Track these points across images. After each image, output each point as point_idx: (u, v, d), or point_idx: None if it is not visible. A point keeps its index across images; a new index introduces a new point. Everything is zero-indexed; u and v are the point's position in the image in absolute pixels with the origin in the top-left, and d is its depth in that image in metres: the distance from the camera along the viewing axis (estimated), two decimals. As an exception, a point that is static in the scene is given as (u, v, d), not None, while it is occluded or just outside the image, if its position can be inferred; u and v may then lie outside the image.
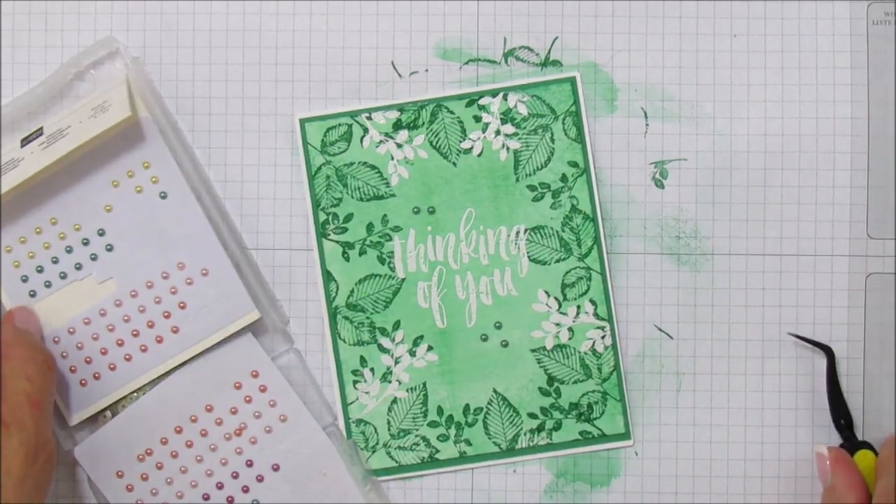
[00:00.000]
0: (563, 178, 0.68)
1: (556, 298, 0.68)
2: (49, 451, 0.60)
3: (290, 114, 0.69)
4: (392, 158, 0.69)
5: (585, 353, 0.68)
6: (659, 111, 0.69)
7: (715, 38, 0.69)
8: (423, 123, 0.69)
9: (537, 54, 0.69)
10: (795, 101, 0.69)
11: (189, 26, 0.69)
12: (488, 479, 0.69)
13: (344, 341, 0.68)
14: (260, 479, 0.66)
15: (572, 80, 0.69)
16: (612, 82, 0.69)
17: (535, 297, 0.68)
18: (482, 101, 0.69)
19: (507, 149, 0.69)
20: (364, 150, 0.69)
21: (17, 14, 0.69)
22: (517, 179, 0.69)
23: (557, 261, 0.68)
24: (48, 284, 0.66)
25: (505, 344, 0.68)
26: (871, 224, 0.68)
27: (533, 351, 0.68)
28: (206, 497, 0.66)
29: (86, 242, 0.66)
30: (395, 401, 0.68)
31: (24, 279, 0.66)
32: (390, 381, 0.68)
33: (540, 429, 0.68)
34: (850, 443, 0.66)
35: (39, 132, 0.65)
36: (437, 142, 0.69)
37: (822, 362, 0.68)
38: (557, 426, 0.68)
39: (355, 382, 0.68)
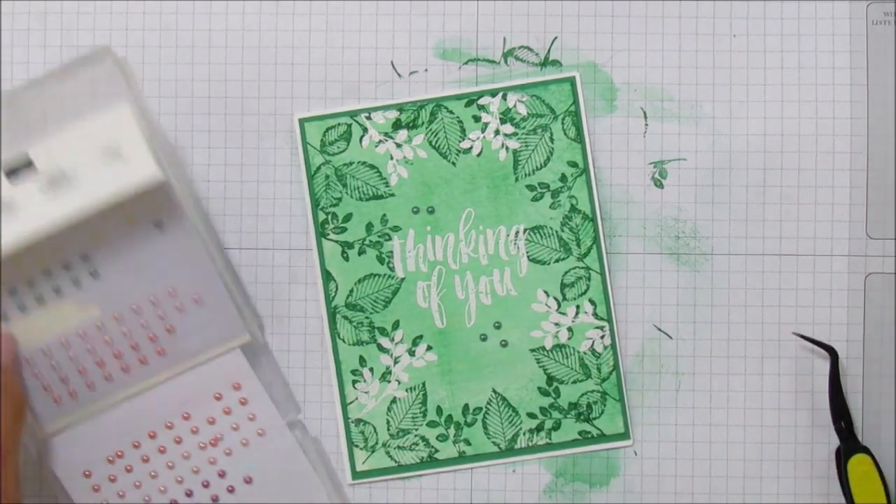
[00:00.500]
0: (563, 177, 0.68)
1: (555, 298, 0.68)
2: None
3: (289, 114, 0.69)
4: (391, 158, 0.69)
5: (585, 353, 0.68)
6: (658, 111, 0.69)
7: (715, 38, 0.69)
8: (423, 123, 0.69)
9: (537, 54, 0.69)
10: (795, 101, 0.69)
11: (189, 26, 0.69)
12: (487, 478, 0.69)
13: (343, 341, 0.68)
14: (231, 489, 0.65)
15: (572, 80, 0.69)
16: (612, 82, 0.69)
17: (535, 296, 0.68)
18: (481, 101, 0.69)
19: (507, 149, 0.69)
20: (363, 149, 0.69)
21: (17, 14, 0.70)
22: (516, 179, 0.69)
23: (557, 261, 0.68)
24: (22, 308, 0.62)
25: (504, 344, 0.68)
26: (871, 224, 0.68)
27: (532, 351, 0.68)
28: (174, 503, 0.65)
29: (67, 267, 0.62)
30: (394, 400, 0.69)
31: None
32: (389, 381, 0.68)
33: (539, 429, 0.68)
34: (849, 446, 0.66)
35: (28, 163, 0.59)
36: (436, 142, 0.69)
37: (821, 363, 0.68)
38: (557, 426, 0.68)
39: (354, 382, 0.68)
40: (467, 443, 0.68)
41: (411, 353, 0.68)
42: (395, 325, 0.68)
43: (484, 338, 0.68)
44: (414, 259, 0.69)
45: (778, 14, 0.69)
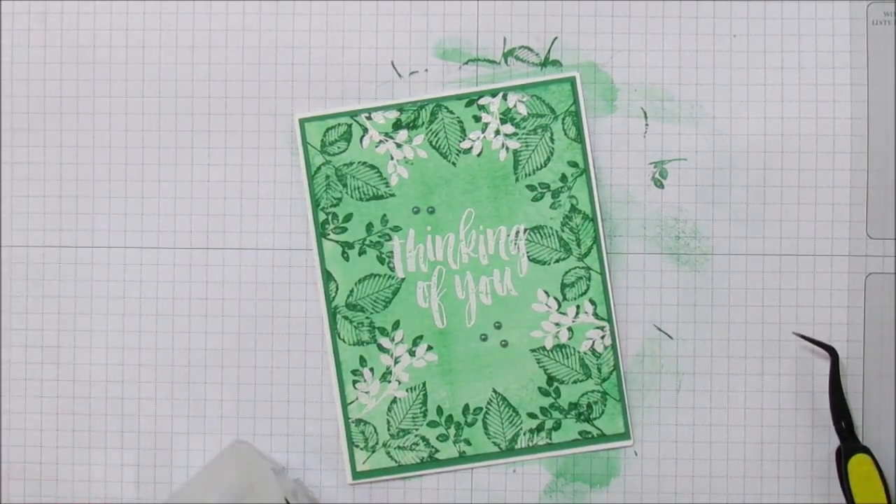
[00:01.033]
0: (563, 177, 0.68)
1: (555, 298, 0.68)
2: None
3: (289, 114, 0.69)
4: (392, 158, 0.69)
5: (585, 353, 0.68)
6: (659, 111, 0.69)
7: (715, 38, 0.69)
8: (423, 123, 0.69)
9: (537, 54, 0.69)
10: (795, 101, 0.69)
11: (189, 26, 0.69)
12: (488, 478, 0.69)
13: (343, 341, 0.68)
14: None
15: (572, 80, 0.69)
16: (612, 82, 0.69)
17: (535, 296, 0.68)
18: (482, 101, 0.69)
19: (507, 149, 0.69)
20: (364, 149, 0.69)
21: (17, 14, 0.70)
22: (517, 179, 0.69)
23: (557, 261, 0.68)
24: None
25: (504, 344, 0.68)
26: (871, 224, 0.68)
27: (532, 351, 0.68)
28: None
29: None
30: (394, 401, 0.68)
31: None
32: (390, 381, 0.68)
33: (539, 429, 0.68)
34: (850, 446, 0.66)
35: None
36: (436, 142, 0.69)
37: (822, 363, 0.68)
38: (557, 426, 0.68)
39: (355, 382, 0.68)
40: (468, 443, 0.68)
41: (412, 353, 0.68)
42: (396, 326, 0.68)
43: (484, 338, 0.68)
44: (414, 259, 0.69)
45: (778, 14, 0.69)
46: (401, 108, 0.69)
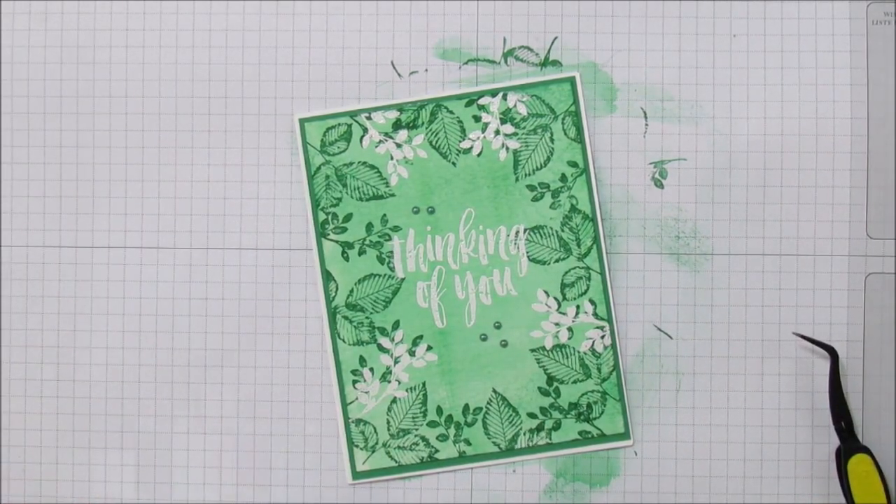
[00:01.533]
0: (563, 177, 0.68)
1: (555, 298, 0.68)
2: None
3: (289, 114, 0.69)
4: (391, 158, 0.69)
5: (585, 353, 0.68)
6: (659, 111, 0.69)
7: (715, 38, 0.69)
8: (423, 123, 0.69)
9: (537, 54, 0.69)
10: (795, 101, 0.69)
11: (189, 26, 0.69)
12: (488, 478, 0.69)
13: (343, 341, 0.68)
14: None
15: (572, 80, 0.69)
16: (612, 82, 0.69)
17: (535, 296, 0.68)
18: (482, 101, 0.69)
19: (507, 148, 0.69)
20: (363, 149, 0.69)
21: (17, 14, 0.70)
22: (517, 179, 0.69)
23: (557, 260, 0.68)
24: None
25: (504, 344, 0.68)
26: (871, 224, 0.68)
27: (532, 351, 0.68)
28: None
29: None
30: (394, 400, 0.68)
31: None
32: (390, 381, 0.68)
33: (539, 429, 0.68)
34: (850, 446, 0.66)
35: None
36: (436, 141, 0.69)
37: (821, 363, 0.68)
38: (557, 426, 0.68)
39: (355, 382, 0.68)
40: (467, 443, 0.68)
41: (411, 353, 0.68)
42: (396, 325, 0.68)
43: (484, 338, 0.68)
44: (414, 259, 0.69)
45: (778, 14, 0.69)
46: (401, 108, 0.69)
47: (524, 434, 0.68)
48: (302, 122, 0.69)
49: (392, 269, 0.69)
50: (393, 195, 0.69)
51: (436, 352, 0.68)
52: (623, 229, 0.69)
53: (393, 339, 0.68)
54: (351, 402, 0.68)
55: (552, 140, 0.69)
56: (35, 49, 0.70)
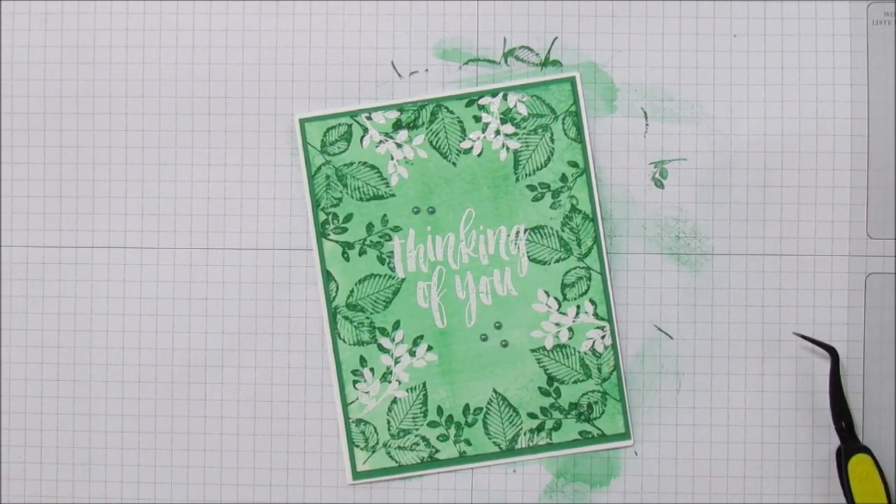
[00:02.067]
0: (563, 177, 0.68)
1: (555, 298, 0.68)
2: None
3: (289, 114, 0.69)
4: (392, 158, 0.69)
5: (585, 353, 0.68)
6: (659, 111, 0.69)
7: (715, 38, 0.69)
8: (423, 123, 0.69)
9: (537, 54, 0.69)
10: (795, 101, 0.69)
11: (189, 26, 0.69)
12: (488, 479, 0.69)
13: (344, 341, 0.68)
14: None
15: (572, 80, 0.69)
16: (612, 82, 0.69)
17: (535, 297, 0.68)
18: (482, 101, 0.69)
19: (507, 149, 0.69)
20: (364, 149, 0.69)
21: (17, 14, 0.70)
22: (517, 179, 0.69)
23: (557, 261, 0.68)
24: None
25: (505, 344, 0.68)
26: (871, 224, 0.68)
27: (533, 351, 0.68)
28: None
29: None
30: (394, 401, 0.68)
31: None
32: (390, 381, 0.68)
33: (540, 429, 0.68)
34: (850, 446, 0.66)
35: None
36: (436, 142, 0.69)
37: (822, 363, 0.68)
38: (557, 426, 0.68)
39: (355, 382, 0.68)
40: (468, 443, 0.68)
41: (412, 353, 0.68)
42: (396, 326, 0.68)
43: (484, 338, 0.68)
44: (414, 259, 0.69)
45: (778, 14, 0.69)
46: (401, 108, 0.69)
47: (524, 434, 0.68)
48: (302, 122, 0.69)
49: (392, 270, 0.69)
50: (393, 195, 0.69)
51: (436, 352, 0.68)
52: (623, 229, 0.69)
53: (393, 340, 0.68)
54: (351, 403, 0.68)
55: (552, 140, 0.69)
56: (35, 49, 0.70)
